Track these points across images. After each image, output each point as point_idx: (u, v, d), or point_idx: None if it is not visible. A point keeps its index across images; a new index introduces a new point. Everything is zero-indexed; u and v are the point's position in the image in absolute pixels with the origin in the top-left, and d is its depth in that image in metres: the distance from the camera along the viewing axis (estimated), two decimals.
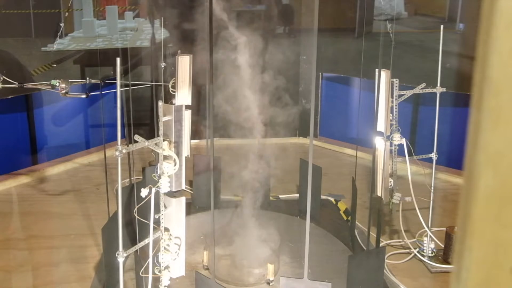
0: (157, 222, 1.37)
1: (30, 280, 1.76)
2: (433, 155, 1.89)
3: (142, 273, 1.37)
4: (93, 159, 2.89)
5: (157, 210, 1.37)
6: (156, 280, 1.40)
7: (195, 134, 2.65)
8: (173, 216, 1.38)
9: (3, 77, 2.00)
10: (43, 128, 3.08)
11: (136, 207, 1.38)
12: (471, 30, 2.68)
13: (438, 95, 1.84)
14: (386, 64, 1.74)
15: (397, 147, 1.87)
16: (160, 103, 1.33)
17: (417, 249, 1.90)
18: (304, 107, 3.24)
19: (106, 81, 2.67)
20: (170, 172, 1.33)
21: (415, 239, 1.95)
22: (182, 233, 1.40)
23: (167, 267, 1.39)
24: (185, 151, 1.48)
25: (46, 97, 3.02)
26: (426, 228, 1.86)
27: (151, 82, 2.65)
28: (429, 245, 1.88)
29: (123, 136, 1.54)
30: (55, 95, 2.00)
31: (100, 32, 3.05)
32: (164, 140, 1.31)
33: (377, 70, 1.73)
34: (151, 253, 1.35)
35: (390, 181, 1.84)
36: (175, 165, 1.32)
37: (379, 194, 1.79)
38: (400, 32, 2.92)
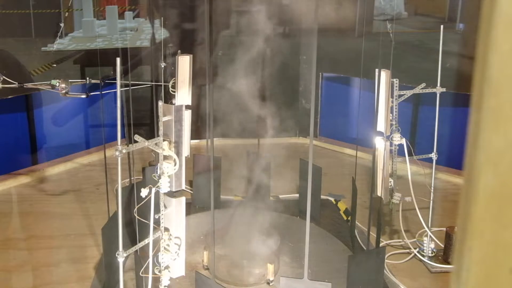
0: (157, 222, 1.37)
1: (30, 280, 1.76)
2: (433, 155, 1.89)
3: (142, 273, 1.37)
4: (93, 159, 2.89)
5: (157, 210, 1.37)
6: (156, 280, 1.40)
7: (195, 134, 2.65)
8: (173, 216, 1.38)
9: (3, 77, 2.00)
10: (43, 128, 3.08)
11: (136, 207, 1.38)
12: (471, 30, 2.68)
13: (438, 95, 1.84)
14: (386, 64, 1.74)
15: (397, 147, 1.87)
16: (160, 103, 1.33)
17: (417, 249, 1.90)
18: (304, 107, 3.24)
19: (106, 81, 2.67)
20: (170, 172, 1.33)
21: (415, 239, 1.95)
22: (182, 233, 1.40)
23: (167, 267, 1.39)
24: (185, 151, 1.48)
25: (46, 97, 3.02)
26: (426, 228, 1.86)
27: (151, 82, 2.65)
28: (429, 245, 1.88)
29: (123, 136, 1.54)
30: (55, 95, 2.00)
31: (100, 32, 3.05)
32: (164, 140, 1.31)
33: (377, 70, 1.73)
34: (151, 253, 1.35)
35: (390, 181, 1.84)
36: (175, 165, 1.32)
37: (379, 194, 1.79)
38: (400, 32, 2.92)
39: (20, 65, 2.75)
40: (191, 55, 1.90)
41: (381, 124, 1.73)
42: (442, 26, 1.80)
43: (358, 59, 2.02)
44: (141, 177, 2.03)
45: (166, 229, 1.39)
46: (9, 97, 2.57)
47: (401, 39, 2.84)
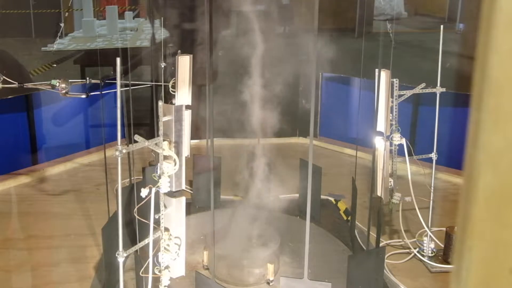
0: (157, 222, 1.37)
1: (30, 280, 1.76)
2: (433, 155, 1.89)
3: (142, 273, 1.37)
4: (93, 159, 2.89)
5: (157, 210, 1.37)
6: (156, 280, 1.40)
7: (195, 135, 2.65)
8: (173, 216, 1.38)
9: (3, 77, 2.00)
10: (43, 128, 3.08)
11: (136, 207, 1.37)
12: (471, 30, 2.68)
13: (438, 95, 1.84)
14: (386, 64, 1.74)
15: (397, 147, 1.87)
16: (160, 103, 1.33)
17: (417, 249, 1.90)
18: (304, 107, 3.24)
19: (106, 81, 2.67)
20: (170, 172, 1.33)
21: (415, 239, 1.95)
22: (182, 233, 1.40)
23: (167, 267, 1.39)
24: (185, 151, 1.48)
25: (46, 97, 3.02)
26: (426, 228, 1.86)
27: (151, 82, 2.65)
28: (429, 245, 1.88)
29: (123, 136, 1.54)
30: (55, 95, 2.00)
31: (100, 32, 3.05)
32: (164, 140, 1.31)
33: (377, 70, 1.73)
34: (151, 253, 1.35)
35: (390, 181, 1.84)
36: (175, 165, 1.32)
37: (379, 194, 1.79)
38: (400, 32, 2.92)
39: (19, 66, 2.75)
40: (191, 55, 1.90)
41: (381, 124, 1.73)
42: (442, 26, 1.80)
43: (358, 59, 2.02)
44: (141, 177, 2.03)
45: (166, 229, 1.39)
46: (9, 97, 2.57)
47: (401, 39, 2.84)
